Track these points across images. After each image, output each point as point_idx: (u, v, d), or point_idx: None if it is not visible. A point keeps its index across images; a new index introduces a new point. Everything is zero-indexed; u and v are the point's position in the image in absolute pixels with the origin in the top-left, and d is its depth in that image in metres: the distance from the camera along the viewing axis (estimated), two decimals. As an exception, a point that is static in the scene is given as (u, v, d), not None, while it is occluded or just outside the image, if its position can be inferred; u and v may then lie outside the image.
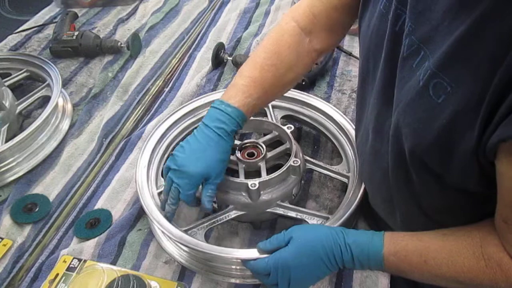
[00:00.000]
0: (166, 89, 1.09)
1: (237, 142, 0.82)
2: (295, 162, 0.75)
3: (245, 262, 0.65)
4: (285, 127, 0.82)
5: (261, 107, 0.76)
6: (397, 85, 0.55)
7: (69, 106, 1.02)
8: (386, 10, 0.56)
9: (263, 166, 0.77)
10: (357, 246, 0.60)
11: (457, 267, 0.54)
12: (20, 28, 1.28)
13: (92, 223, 0.79)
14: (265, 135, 0.85)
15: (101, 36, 1.20)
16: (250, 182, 0.71)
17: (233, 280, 0.71)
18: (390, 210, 0.68)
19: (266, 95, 0.72)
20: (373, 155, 0.66)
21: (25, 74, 1.05)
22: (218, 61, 1.13)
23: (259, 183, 0.71)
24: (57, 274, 0.69)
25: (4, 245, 0.76)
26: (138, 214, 0.80)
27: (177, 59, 1.21)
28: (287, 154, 0.79)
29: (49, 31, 1.26)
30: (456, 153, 0.49)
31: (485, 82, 0.43)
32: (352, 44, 1.19)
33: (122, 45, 1.17)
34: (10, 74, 1.05)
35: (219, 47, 1.13)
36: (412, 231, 0.60)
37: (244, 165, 0.77)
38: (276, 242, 0.64)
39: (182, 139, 0.91)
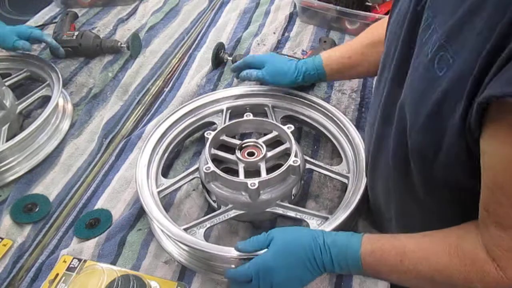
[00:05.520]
0: (166, 89, 1.09)
1: (237, 141, 0.82)
2: (295, 162, 0.75)
3: (225, 272, 0.64)
4: (285, 127, 0.82)
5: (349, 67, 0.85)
6: (412, 62, 0.55)
7: (69, 106, 1.02)
8: None
9: (263, 165, 0.77)
10: (335, 246, 0.59)
11: (432, 265, 0.53)
12: (20, 28, 1.27)
13: (92, 223, 0.79)
14: (265, 135, 0.85)
15: (101, 36, 1.20)
16: (249, 181, 0.71)
17: (233, 280, 0.71)
18: (387, 203, 0.67)
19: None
20: (378, 142, 0.65)
21: (25, 74, 1.05)
22: (218, 61, 1.13)
23: (258, 182, 0.71)
24: (57, 274, 0.70)
25: (4, 245, 0.76)
26: (138, 214, 0.80)
27: (177, 59, 1.20)
28: (287, 154, 0.79)
29: (49, 31, 1.25)
30: (446, 133, 0.48)
31: (479, 52, 0.43)
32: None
33: (122, 45, 1.17)
34: (11, 74, 1.05)
35: (219, 47, 1.13)
36: (407, 227, 0.59)
37: (244, 165, 0.77)
38: (256, 244, 0.63)
39: (182, 139, 0.92)
